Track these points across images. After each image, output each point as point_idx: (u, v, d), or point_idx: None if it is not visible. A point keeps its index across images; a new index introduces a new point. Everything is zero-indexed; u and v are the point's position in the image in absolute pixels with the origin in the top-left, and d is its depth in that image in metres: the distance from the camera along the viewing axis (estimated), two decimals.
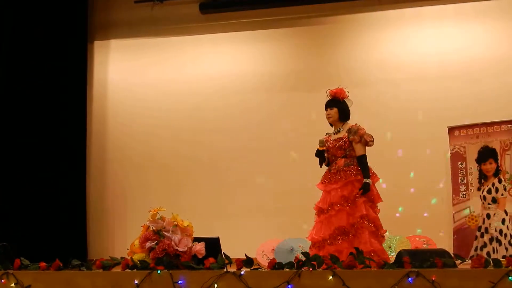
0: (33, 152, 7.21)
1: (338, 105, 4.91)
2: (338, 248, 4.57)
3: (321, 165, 5.01)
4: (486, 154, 6.19)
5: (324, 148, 4.91)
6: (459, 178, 6.32)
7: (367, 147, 4.82)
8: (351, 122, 4.97)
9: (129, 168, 7.67)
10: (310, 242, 4.90)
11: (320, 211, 4.86)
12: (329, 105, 4.94)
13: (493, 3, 6.94)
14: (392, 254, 5.47)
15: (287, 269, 3.57)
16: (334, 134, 4.95)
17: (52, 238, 6.99)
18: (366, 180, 4.71)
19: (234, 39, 7.67)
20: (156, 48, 7.81)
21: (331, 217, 4.73)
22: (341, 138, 4.85)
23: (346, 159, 4.82)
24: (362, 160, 4.79)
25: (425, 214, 6.75)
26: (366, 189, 4.70)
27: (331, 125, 5.00)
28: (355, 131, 4.79)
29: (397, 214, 6.67)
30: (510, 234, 5.91)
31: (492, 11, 6.94)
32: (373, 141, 4.80)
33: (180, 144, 7.55)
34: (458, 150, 6.37)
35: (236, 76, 7.54)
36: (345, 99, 4.95)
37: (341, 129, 4.91)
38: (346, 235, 4.63)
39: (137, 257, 3.93)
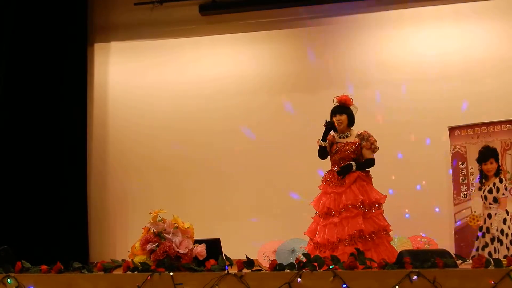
0: (34, 154, 7.20)
1: (347, 112, 5.13)
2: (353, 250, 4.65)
3: (323, 157, 5.16)
4: (487, 154, 6.19)
5: (327, 144, 5.10)
6: (460, 178, 6.32)
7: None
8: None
9: (130, 170, 7.67)
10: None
11: (328, 212, 4.92)
12: (338, 111, 5.13)
13: (491, 3, 6.93)
14: None
15: (288, 270, 3.58)
16: (340, 138, 5.14)
17: (53, 240, 7.00)
18: (352, 162, 4.98)
19: (234, 40, 7.68)
20: (156, 50, 7.82)
21: (347, 218, 4.86)
22: (353, 143, 5.07)
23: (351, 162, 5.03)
24: (370, 161, 5.09)
25: (427, 214, 6.76)
26: (345, 169, 4.95)
27: (336, 130, 5.14)
28: (367, 138, 5.07)
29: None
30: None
31: (491, 11, 6.94)
32: (378, 148, 5.12)
33: (181, 146, 7.55)
34: (459, 150, 6.36)
35: (236, 78, 7.54)
36: (350, 106, 5.19)
37: (349, 134, 5.13)
38: (362, 239, 4.81)
39: (138, 259, 3.93)
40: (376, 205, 4.97)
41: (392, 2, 7.22)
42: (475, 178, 6.21)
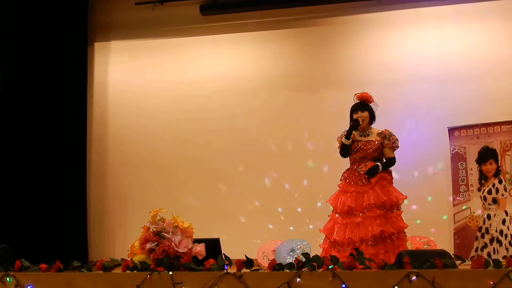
0: (34, 154, 7.20)
1: (368, 109, 5.07)
2: (376, 251, 4.66)
3: (346, 155, 5.07)
4: (487, 155, 6.20)
5: (349, 142, 4.99)
6: (460, 178, 6.32)
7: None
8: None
9: (130, 169, 7.68)
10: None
11: (350, 211, 4.88)
12: (360, 108, 5.06)
13: (493, 4, 6.93)
14: None
15: (287, 270, 3.58)
16: (360, 136, 5.05)
17: (53, 239, 6.99)
18: (378, 163, 4.92)
19: (234, 40, 7.68)
20: (157, 50, 7.82)
21: (370, 218, 4.79)
22: (374, 142, 5.00)
23: (376, 162, 4.98)
24: (392, 160, 5.03)
25: (426, 214, 6.77)
26: (373, 171, 4.87)
27: (357, 129, 5.04)
28: (389, 137, 5.01)
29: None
30: (511, 235, 5.91)
31: (493, 12, 6.94)
32: (398, 147, 5.05)
33: (181, 145, 7.55)
34: (459, 150, 6.37)
35: (236, 77, 7.54)
36: (370, 103, 5.12)
37: (369, 133, 5.05)
38: (383, 240, 4.75)
39: (137, 258, 3.93)
40: (397, 206, 4.93)
41: (393, 2, 7.22)
42: (474, 178, 6.21)
